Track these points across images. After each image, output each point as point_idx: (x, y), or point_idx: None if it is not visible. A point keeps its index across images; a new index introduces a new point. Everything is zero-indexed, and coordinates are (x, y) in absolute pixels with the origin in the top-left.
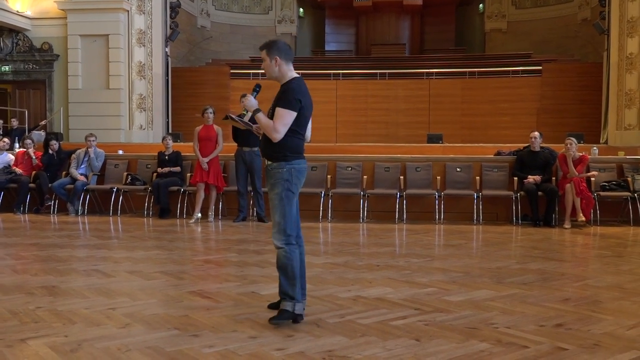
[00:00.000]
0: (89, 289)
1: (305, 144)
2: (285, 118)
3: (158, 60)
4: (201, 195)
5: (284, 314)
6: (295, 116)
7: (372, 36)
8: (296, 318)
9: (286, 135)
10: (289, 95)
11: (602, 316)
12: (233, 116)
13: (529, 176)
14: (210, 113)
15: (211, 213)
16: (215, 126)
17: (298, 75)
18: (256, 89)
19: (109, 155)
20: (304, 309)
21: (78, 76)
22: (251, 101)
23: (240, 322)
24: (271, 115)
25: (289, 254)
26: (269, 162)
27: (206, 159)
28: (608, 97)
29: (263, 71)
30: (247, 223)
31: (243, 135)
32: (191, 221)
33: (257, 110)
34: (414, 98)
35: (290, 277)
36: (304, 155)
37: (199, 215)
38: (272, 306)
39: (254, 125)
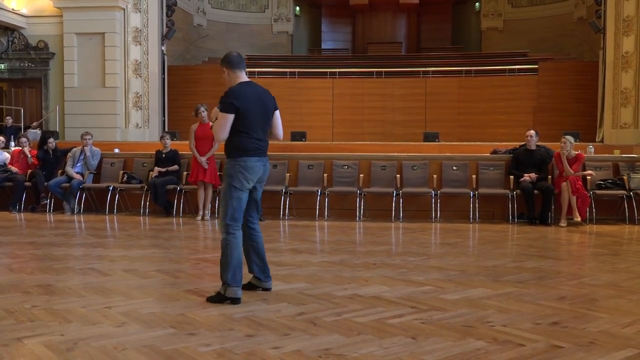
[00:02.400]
0: (85, 288)
1: (279, 142)
2: (220, 120)
3: (154, 59)
4: (202, 193)
5: (217, 296)
6: (234, 117)
7: (369, 34)
8: (233, 301)
9: (232, 135)
10: (224, 99)
11: (597, 314)
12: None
13: (525, 174)
14: (204, 111)
15: (207, 211)
16: (211, 124)
17: (246, 80)
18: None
19: (105, 154)
20: (240, 294)
21: (74, 74)
22: (216, 109)
23: (236, 321)
24: None
25: (227, 242)
26: (227, 158)
27: (204, 157)
28: (604, 95)
29: (259, 70)
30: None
31: None
32: (198, 219)
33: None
34: (411, 96)
35: (225, 263)
36: (262, 154)
37: (209, 213)
38: (245, 286)
39: None
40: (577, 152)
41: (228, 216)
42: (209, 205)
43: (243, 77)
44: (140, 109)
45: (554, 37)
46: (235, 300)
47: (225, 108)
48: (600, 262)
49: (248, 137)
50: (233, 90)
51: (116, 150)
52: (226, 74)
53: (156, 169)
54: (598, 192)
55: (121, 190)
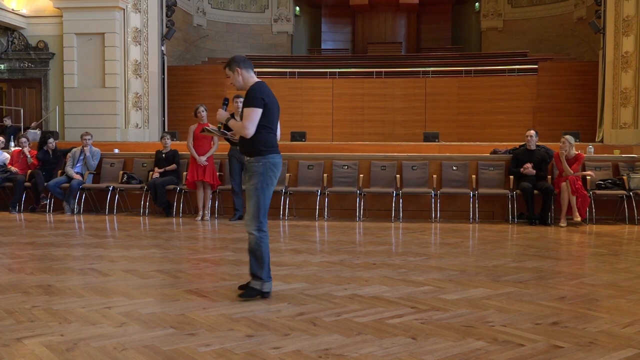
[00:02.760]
0: (85, 288)
1: (279, 142)
2: (252, 115)
3: (154, 59)
4: (201, 194)
5: (252, 292)
6: (262, 113)
7: (369, 35)
8: (264, 295)
9: (257, 131)
10: (251, 96)
11: (597, 314)
12: (209, 128)
13: (525, 165)
14: (203, 111)
15: (207, 212)
16: (210, 125)
17: (260, 80)
18: (225, 102)
19: (105, 154)
20: (271, 287)
21: (74, 74)
22: (221, 113)
23: (236, 321)
24: (242, 118)
25: (259, 239)
26: (248, 158)
27: (204, 157)
28: (604, 95)
29: (259, 70)
30: (243, 222)
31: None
32: (198, 219)
33: (228, 119)
34: (411, 96)
35: (260, 260)
36: (279, 151)
37: (209, 212)
38: (242, 287)
39: (229, 133)
40: (577, 152)
41: (261, 214)
42: (208, 206)
43: (255, 76)
44: (140, 109)
45: (554, 37)
46: (267, 294)
47: (256, 103)
48: (600, 262)
49: (270, 133)
50: (258, 86)
51: (116, 151)
52: (239, 76)
53: (156, 169)
54: (598, 192)
55: (121, 190)
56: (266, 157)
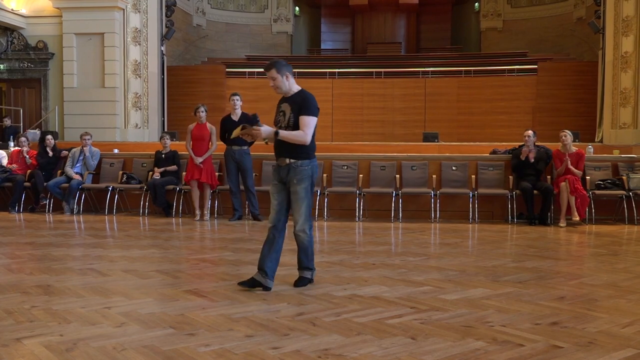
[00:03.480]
0: (85, 288)
1: None
2: (311, 124)
3: (154, 59)
4: (196, 193)
5: (304, 280)
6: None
7: (368, 35)
8: (311, 281)
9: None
10: (310, 104)
11: (597, 314)
12: (233, 136)
13: (523, 150)
14: (203, 112)
15: (207, 212)
16: (208, 125)
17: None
18: (257, 119)
19: (105, 154)
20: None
21: (73, 75)
22: (266, 129)
23: (236, 321)
24: (294, 122)
25: (310, 238)
26: (294, 160)
27: (200, 158)
28: (603, 95)
29: (259, 70)
30: (243, 222)
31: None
32: (196, 219)
33: (277, 133)
34: (410, 97)
35: (310, 255)
36: None
37: (208, 213)
38: (247, 283)
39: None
40: (576, 149)
41: (309, 214)
42: (207, 206)
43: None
44: (140, 109)
45: (553, 37)
46: (312, 281)
47: (315, 112)
48: (599, 262)
49: (314, 139)
50: (310, 96)
51: (115, 151)
52: (285, 79)
53: (156, 169)
54: (597, 192)
55: (120, 190)
56: (312, 161)
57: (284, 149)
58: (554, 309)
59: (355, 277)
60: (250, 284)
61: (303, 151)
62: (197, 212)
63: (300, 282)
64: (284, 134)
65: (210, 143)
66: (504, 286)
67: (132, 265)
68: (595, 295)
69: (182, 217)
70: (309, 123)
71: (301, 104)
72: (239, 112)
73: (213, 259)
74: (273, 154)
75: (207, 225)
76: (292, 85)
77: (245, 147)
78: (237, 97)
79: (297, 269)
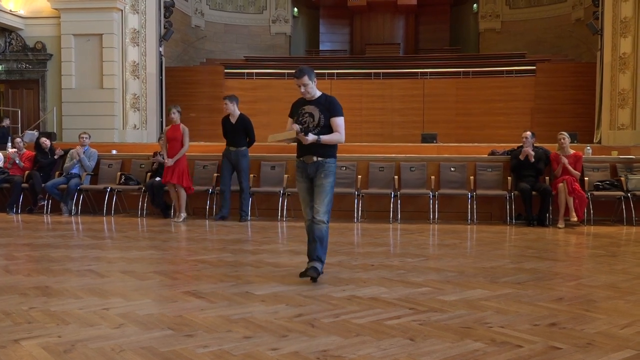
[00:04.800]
0: (83, 289)
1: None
2: (343, 124)
3: (152, 60)
4: (174, 194)
5: (316, 271)
6: None
7: (367, 36)
8: (320, 274)
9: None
10: (339, 106)
11: (595, 315)
12: (278, 139)
13: (524, 151)
14: (174, 113)
15: (182, 213)
16: (181, 126)
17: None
18: (302, 129)
19: (103, 155)
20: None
21: (71, 76)
22: (312, 136)
23: (234, 322)
24: (324, 123)
25: (327, 229)
26: (322, 159)
27: (172, 160)
28: (601, 97)
29: (257, 71)
30: (239, 223)
31: (232, 135)
32: (179, 220)
33: (319, 139)
34: (409, 98)
35: (325, 246)
36: None
37: (184, 214)
38: (303, 273)
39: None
40: (573, 152)
41: (330, 208)
42: (183, 207)
43: None
44: (138, 110)
45: (552, 38)
46: (321, 274)
47: (342, 113)
48: (598, 263)
49: None
50: (335, 99)
51: (114, 152)
52: (315, 85)
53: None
54: (596, 193)
55: (118, 191)
56: (335, 158)
57: (312, 147)
58: (553, 310)
59: (354, 278)
60: (313, 273)
61: (331, 150)
62: (181, 214)
63: (312, 271)
64: (325, 138)
65: (181, 144)
66: (503, 287)
67: (131, 266)
68: (594, 296)
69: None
70: (342, 124)
71: (330, 107)
72: (235, 114)
73: (212, 260)
74: (275, 155)
75: (206, 226)
76: (316, 90)
77: (243, 148)
78: (226, 101)
79: (308, 260)
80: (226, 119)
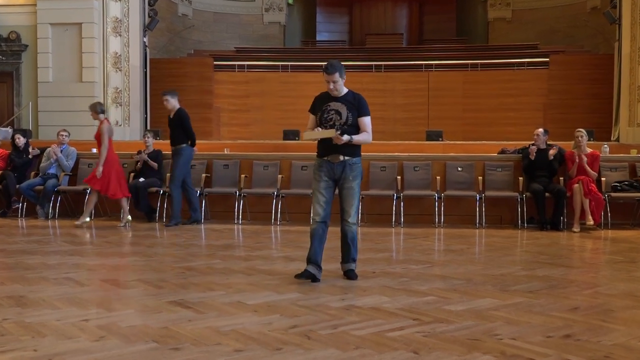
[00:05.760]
0: (60, 299)
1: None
2: (370, 123)
3: (135, 51)
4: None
5: (354, 273)
6: None
7: (367, 25)
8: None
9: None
10: (366, 105)
11: (613, 326)
12: (315, 137)
13: (531, 149)
14: (97, 112)
15: (123, 216)
16: (101, 125)
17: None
18: (338, 128)
19: (82, 154)
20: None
21: (48, 68)
22: (346, 137)
23: (224, 334)
24: (352, 122)
25: (356, 229)
26: (349, 158)
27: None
28: (620, 91)
29: (249, 63)
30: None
31: (170, 132)
32: (120, 225)
33: (351, 139)
34: (412, 92)
35: (356, 246)
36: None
37: (129, 217)
38: (347, 274)
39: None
40: (591, 150)
41: (359, 208)
42: (123, 209)
43: None
44: (120, 105)
45: (566, 28)
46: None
47: (369, 112)
48: (616, 270)
49: None
50: (363, 98)
51: (94, 150)
52: (342, 82)
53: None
54: (613, 194)
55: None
56: (361, 158)
57: (340, 146)
58: (567, 320)
59: (353, 286)
60: (308, 275)
61: (358, 149)
62: (125, 217)
63: (353, 274)
64: (357, 138)
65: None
66: (514, 296)
67: (112, 274)
68: (611, 306)
69: (165, 222)
70: (369, 123)
71: (358, 106)
72: (175, 109)
73: (200, 267)
74: (268, 153)
75: (201, 230)
76: (343, 87)
77: (181, 146)
78: (166, 97)
79: (342, 262)
80: (169, 116)
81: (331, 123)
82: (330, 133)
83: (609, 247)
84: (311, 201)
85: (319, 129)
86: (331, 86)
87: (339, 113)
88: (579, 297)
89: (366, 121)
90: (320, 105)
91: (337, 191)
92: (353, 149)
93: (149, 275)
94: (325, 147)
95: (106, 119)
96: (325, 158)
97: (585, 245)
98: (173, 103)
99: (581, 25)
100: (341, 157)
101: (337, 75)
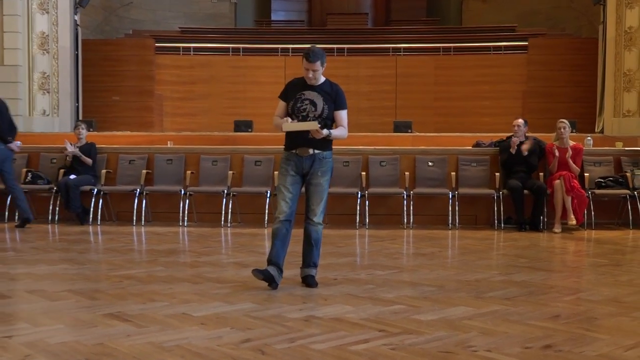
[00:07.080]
0: None
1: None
2: (346, 118)
3: (65, 31)
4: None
5: (313, 279)
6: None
7: (328, 4)
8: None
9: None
10: (344, 98)
11: (597, 335)
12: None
13: (513, 141)
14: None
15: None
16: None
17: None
18: (320, 123)
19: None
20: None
21: None
22: (325, 131)
23: (168, 350)
24: (327, 114)
25: (322, 230)
26: (319, 151)
27: None
28: (604, 78)
29: (195, 45)
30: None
31: None
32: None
33: (329, 134)
34: (378, 78)
35: (319, 249)
36: None
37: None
38: (305, 280)
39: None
40: (573, 143)
41: (325, 207)
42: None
43: None
44: (48, 92)
45: (547, 9)
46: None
47: (346, 105)
48: (600, 274)
49: None
50: (341, 90)
51: (18, 144)
52: (322, 70)
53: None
54: (597, 191)
55: (24, 192)
56: (331, 152)
57: (309, 139)
58: (547, 329)
59: (313, 295)
60: (267, 276)
61: (328, 143)
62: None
63: (312, 280)
64: (335, 133)
65: None
66: (489, 304)
67: (39, 284)
68: (595, 313)
69: (101, 225)
70: (346, 117)
71: (336, 97)
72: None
73: (140, 275)
74: (217, 147)
75: (142, 234)
76: (321, 76)
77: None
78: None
79: (302, 266)
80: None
81: (304, 114)
82: (312, 125)
83: (592, 249)
84: (274, 199)
85: (289, 119)
86: (310, 75)
87: (314, 104)
88: (560, 304)
89: (343, 115)
90: (293, 93)
91: (303, 188)
92: (324, 143)
93: (82, 285)
94: (294, 140)
95: None
96: (294, 151)
97: (567, 247)
98: None
99: (563, 6)
100: (310, 151)
101: (318, 64)
